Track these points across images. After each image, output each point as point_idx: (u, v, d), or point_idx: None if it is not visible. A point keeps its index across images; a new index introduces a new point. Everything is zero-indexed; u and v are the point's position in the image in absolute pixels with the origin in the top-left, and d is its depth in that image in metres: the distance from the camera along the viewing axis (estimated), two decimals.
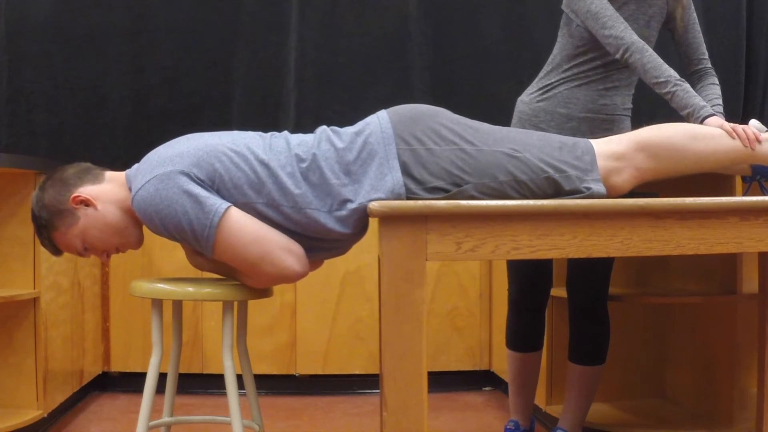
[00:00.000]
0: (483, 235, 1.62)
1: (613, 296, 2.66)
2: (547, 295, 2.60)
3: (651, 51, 2.27)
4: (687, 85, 2.25)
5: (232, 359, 1.97)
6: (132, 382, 3.70)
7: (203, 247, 1.83)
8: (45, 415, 2.87)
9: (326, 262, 2.03)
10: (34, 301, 2.85)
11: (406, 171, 1.81)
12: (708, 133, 2.00)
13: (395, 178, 1.80)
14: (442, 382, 3.80)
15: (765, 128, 2.09)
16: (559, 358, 2.94)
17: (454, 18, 4.18)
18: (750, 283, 2.65)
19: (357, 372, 3.78)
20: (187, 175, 1.80)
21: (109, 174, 2.00)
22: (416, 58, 4.14)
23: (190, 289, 1.94)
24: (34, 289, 2.84)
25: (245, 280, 1.93)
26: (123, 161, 3.89)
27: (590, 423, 2.73)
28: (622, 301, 2.72)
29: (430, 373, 1.62)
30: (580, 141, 1.93)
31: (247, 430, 2.36)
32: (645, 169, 1.93)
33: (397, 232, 1.59)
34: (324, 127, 1.93)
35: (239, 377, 3.35)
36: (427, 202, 1.59)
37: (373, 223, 1.95)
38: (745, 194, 2.38)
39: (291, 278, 1.86)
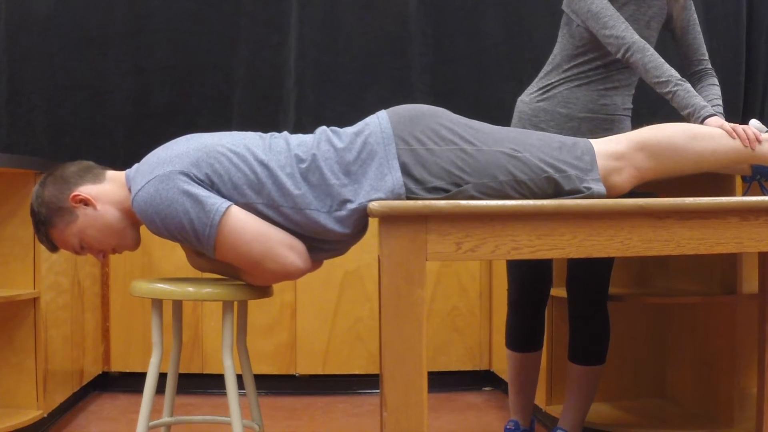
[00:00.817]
0: (483, 235, 1.62)
1: (613, 296, 2.66)
2: (547, 295, 2.60)
3: (652, 51, 2.27)
4: (688, 85, 2.25)
5: (232, 359, 1.97)
6: (132, 382, 3.70)
7: (205, 247, 1.83)
8: (45, 415, 2.87)
9: (326, 262, 2.03)
10: (34, 301, 2.84)
11: (405, 171, 1.81)
12: (708, 133, 2.00)
13: (395, 178, 1.80)
14: (442, 382, 3.80)
15: (765, 128, 2.09)
16: (559, 358, 2.94)
17: (454, 18, 4.18)
18: (750, 283, 2.65)
19: (357, 372, 3.78)
20: (187, 175, 1.80)
21: (110, 173, 2.00)
22: (416, 58, 4.14)
23: (190, 289, 1.94)
24: (34, 289, 2.84)
25: (247, 279, 1.93)
26: (123, 161, 3.89)
27: (590, 423, 2.73)
28: (622, 301, 2.72)
29: (430, 373, 1.62)
30: (580, 141, 1.93)
31: (247, 430, 2.36)
32: (645, 169, 1.93)
33: (397, 232, 1.59)
34: (324, 127, 1.93)
35: (239, 377, 3.35)
36: (427, 202, 1.59)
37: (373, 223, 1.95)
38: (745, 194, 2.38)
39: (294, 275, 1.86)
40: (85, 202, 1.93)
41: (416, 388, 1.57)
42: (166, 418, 2.21)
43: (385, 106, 2.00)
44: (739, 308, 2.65)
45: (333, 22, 4.11)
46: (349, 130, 1.90)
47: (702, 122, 2.16)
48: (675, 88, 2.23)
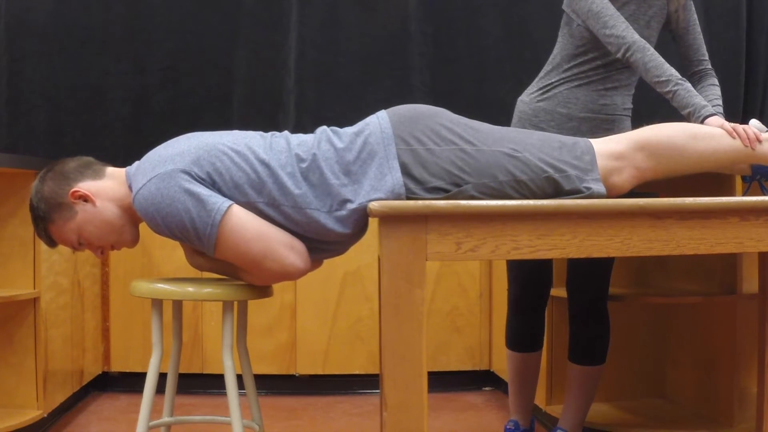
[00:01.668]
0: (483, 235, 1.61)
1: (613, 296, 2.66)
2: (547, 295, 2.60)
3: (652, 50, 2.27)
4: (688, 85, 2.25)
5: (232, 359, 1.97)
6: (132, 382, 3.70)
7: (205, 246, 1.83)
8: (45, 415, 2.87)
9: (326, 262, 2.03)
10: (34, 301, 2.84)
11: (405, 171, 1.81)
12: (708, 133, 2.00)
13: (395, 178, 1.80)
14: (442, 382, 3.80)
15: (765, 128, 2.09)
16: (559, 358, 2.94)
17: (454, 18, 4.18)
18: (750, 283, 2.65)
19: (357, 372, 3.78)
20: (188, 173, 1.80)
21: (110, 170, 2.00)
22: (416, 58, 4.14)
23: (190, 289, 1.94)
24: (34, 289, 2.84)
25: (247, 278, 1.93)
26: (123, 161, 3.84)
27: (590, 423, 2.73)
28: (622, 301, 2.72)
29: (430, 373, 1.62)
30: (580, 140, 1.93)
31: (247, 430, 2.36)
32: (645, 169, 1.93)
33: (397, 232, 1.59)
34: (324, 127, 1.93)
35: (239, 377, 3.35)
36: (427, 202, 1.59)
37: (373, 223, 1.95)
38: (745, 194, 2.38)
39: (293, 275, 1.86)
40: (85, 199, 1.92)
41: (416, 388, 1.57)
42: (166, 418, 2.21)
43: (385, 106, 1.99)
44: (739, 308, 2.65)
45: (333, 22, 4.11)
46: (349, 130, 1.90)
47: (702, 122, 2.16)
48: (675, 88, 2.23)
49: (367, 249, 3.71)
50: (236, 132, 1.93)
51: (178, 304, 2.19)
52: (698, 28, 2.53)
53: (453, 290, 3.83)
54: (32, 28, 3.96)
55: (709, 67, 2.54)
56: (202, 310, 3.72)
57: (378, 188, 1.80)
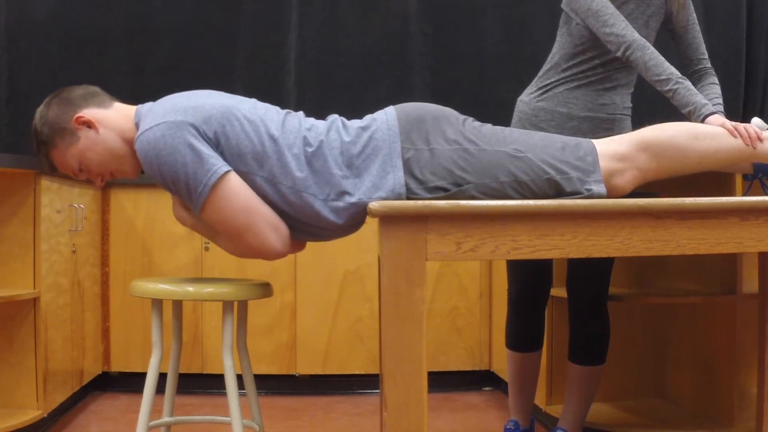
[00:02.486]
0: (483, 235, 1.61)
1: (613, 296, 2.66)
2: (547, 295, 2.60)
3: (652, 49, 2.27)
4: (688, 83, 2.24)
5: (232, 359, 1.97)
6: (132, 382, 3.70)
7: (193, 203, 1.82)
8: (45, 415, 2.86)
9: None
10: (34, 301, 2.84)
11: (408, 170, 1.81)
12: (710, 133, 2.00)
13: (397, 177, 1.80)
14: (442, 382, 3.80)
15: (766, 126, 2.09)
16: (559, 358, 2.94)
17: (454, 18, 4.18)
18: (750, 283, 2.65)
19: (357, 372, 3.78)
20: (197, 129, 1.80)
21: (119, 104, 2.00)
22: (416, 58, 4.14)
23: (190, 289, 1.94)
24: (34, 289, 2.84)
25: (223, 244, 1.91)
26: None
27: (590, 423, 2.73)
28: (622, 301, 2.72)
29: (430, 373, 1.62)
30: (583, 141, 1.92)
31: (247, 430, 2.36)
32: (647, 170, 1.93)
33: (397, 232, 1.59)
34: (336, 116, 1.93)
35: (239, 377, 3.35)
36: (427, 202, 1.59)
37: (373, 223, 1.95)
38: (746, 192, 2.38)
39: (269, 255, 1.85)
40: (88, 125, 1.92)
41: (416, 388, 1.57)
42: (166, 418, 2.21)
43: (385, 106, 1.99)
44: (739, 308, 2.65)
45: (333, 22, 4.12)
46: (356, 124, 1.90)
47: (703, 120, 2.16)
48: (675, 86, 2.23)
49: (367, 249, 3.71)
50: (256, 102, 1.92)
51: (178, 304, 2.19)
52: (697, 27, 2.53)
53: (453, 290, 3.83)
54: (32, 28, 3.96)
55: (709, 65, 2.54)
56: (202, 310, 3.72)
57: (379, 186, 1.80)
